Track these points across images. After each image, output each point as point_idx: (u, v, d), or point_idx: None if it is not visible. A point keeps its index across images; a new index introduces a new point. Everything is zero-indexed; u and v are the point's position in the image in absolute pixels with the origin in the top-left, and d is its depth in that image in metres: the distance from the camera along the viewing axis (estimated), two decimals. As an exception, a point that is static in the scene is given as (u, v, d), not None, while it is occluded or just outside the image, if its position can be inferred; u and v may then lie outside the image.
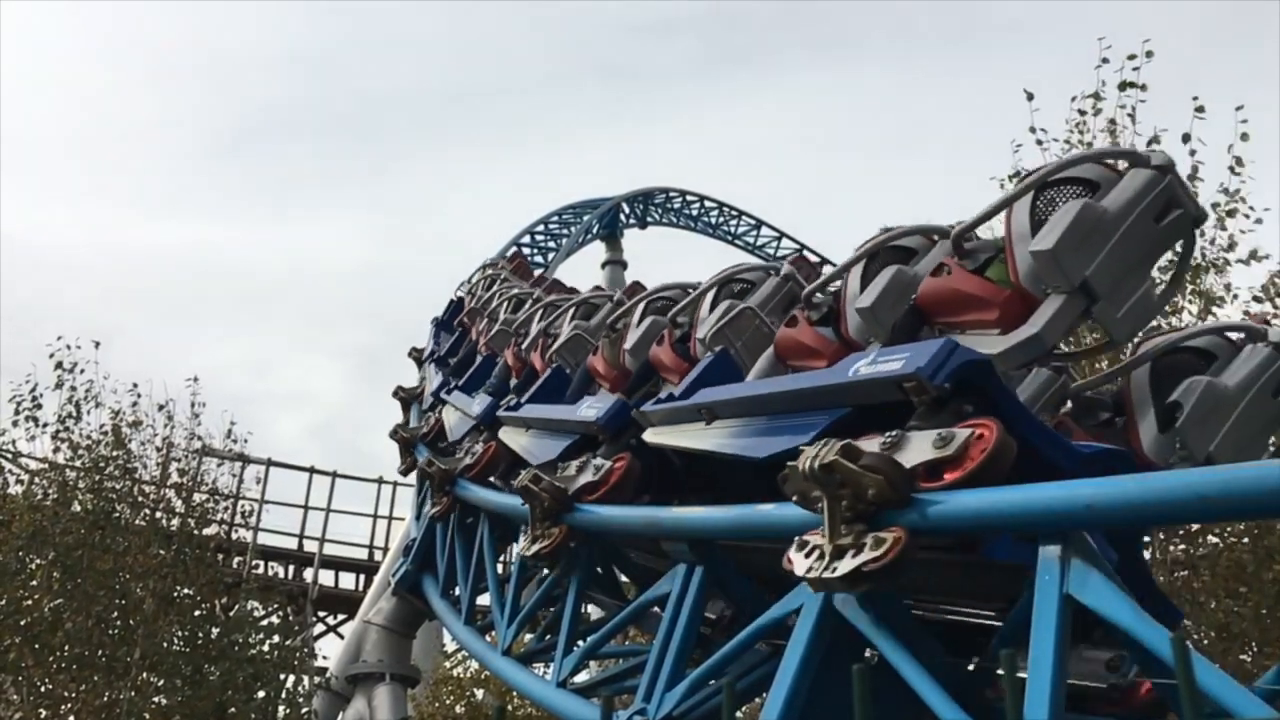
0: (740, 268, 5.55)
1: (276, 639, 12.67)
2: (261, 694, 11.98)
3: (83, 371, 12.82)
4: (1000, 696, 2.76)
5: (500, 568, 6.54)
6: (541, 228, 21.34)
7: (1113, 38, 8.98)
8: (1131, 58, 8.83)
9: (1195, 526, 7.74)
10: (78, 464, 12.50)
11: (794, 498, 2.83)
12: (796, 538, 2.82)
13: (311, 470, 18.43)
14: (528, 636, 6.35)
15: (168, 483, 13.02)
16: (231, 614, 12.61)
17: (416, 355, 11.90)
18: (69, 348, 12.80)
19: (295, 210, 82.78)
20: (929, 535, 2.62)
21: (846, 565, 2.57)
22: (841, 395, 3.25)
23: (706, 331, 4.99)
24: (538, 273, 13.83)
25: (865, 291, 4.04)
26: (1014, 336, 3.45)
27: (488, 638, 6.19)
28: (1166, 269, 8.68)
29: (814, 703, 2.73)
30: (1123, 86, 8.94)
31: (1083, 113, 9.21)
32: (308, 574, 17.65)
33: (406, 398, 10.68)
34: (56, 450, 12.64)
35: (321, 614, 17.69)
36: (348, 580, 18.10)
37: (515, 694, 11.88)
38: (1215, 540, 8.09)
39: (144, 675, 11.07)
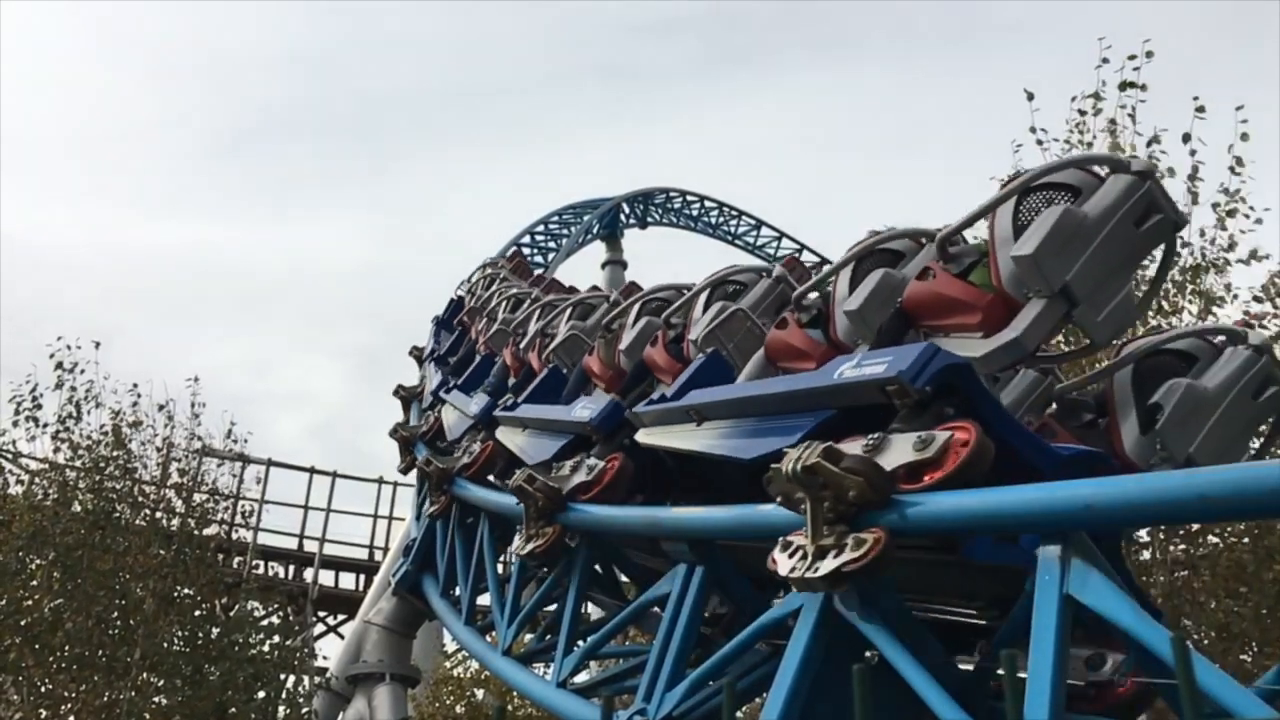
0: (733, 269, 5.59)
1: (277, 639, 12.66)
2: (262, 694, 11.97)
3: (83, 372, 12.82)
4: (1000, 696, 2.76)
5: (500, 568, 6.54)
6: (541, 228, 21.34)
7: (1113, 38, 8.98)
8: (1132, 58, 8.83)
9: (1196, 526, 7.73)
10: (78, 464, 12.49)
11: (778, 499, 2.88)
12: (781, 538, 2.87)
13: (312, 470, 18.43)
14: (528, 636, 6.36)
15: (168, 483, 13.01)
16: (232, 614, 12.60)
17: (417, 354, 11.92)
18: (69, 348, 12.80)
19: (295, 210, 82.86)
20: (909, 535, 2.66)
21: (828, 565, 2.62)
22: (827, 398, 3.31)
23: (699, 333, 5.04)
24: (538, 273, 13.83)
25: (853, 294, 4.08)
26: (996, 340, 3.50)
27: (488, 638, 6.18)
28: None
29: (814, 703, 2.73)
30: (1123, 86, 8.94)
31: (1083, 113, 9.21)
32: (308, 574, 17.63)
33: (407, 396, 10.70)
34: (56, 450, 12.64)
35: (322, 614, 17.68)
36: (348, 580, 18.10)
37: (515, 694, 11.88)
38: (1215, 540, 8.08)
39: (144, 675, 11.07)
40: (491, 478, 6.71)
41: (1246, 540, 7.78)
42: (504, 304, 9.17)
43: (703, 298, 5.34)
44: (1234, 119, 8.52)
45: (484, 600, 6.47)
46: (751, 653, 3.70)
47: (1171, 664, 1.70)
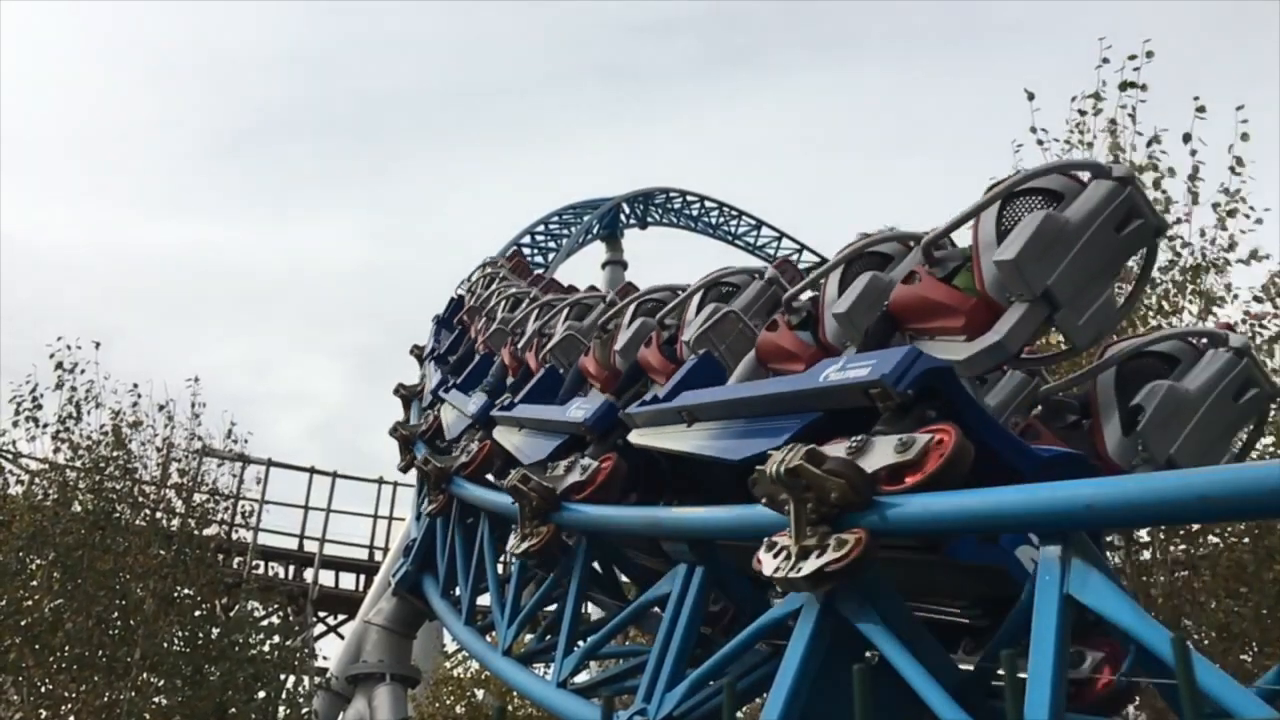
0: (726, 271, 5.62)
1: (277, 639, 12.67)
2: (262, 694, 11.98)
3: (83, 372, 12.83)
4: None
5: (500, 568, 6.53)
6: (542, 228, 21.33)
7: (1113, 38, 8.98)
8: (1132, 58, 8.83)
9: (1196, 526, 7.73)
10: (78, 464, 12.49)
11: (763, 500, 2.92)
12: (766, 539, 2.92)
13: (312, 470, 18.43)
14: (528, 637, 6.36)
15: (168, 483, 13.02)
16: (232, 614, 12.61)
17: (418, 352, 11.93)
18: (69, 348, 12.81)
19: (295, 210, 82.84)
20: (889, 536, 2.70)
21: (810, 565, 2.67)
22: (813, 400, 3.36)
23: (691, 334, 5.09)
24: (537, 273, 13.83)
25: (841, 297, 4.13)
26: (978, 343, 3.56)
27: (488, 638, 6.18)
28: (1167, 267, 8.72)
29: (814, 703, 2.74)
30: (1123, 86, 8.93)
31: (1083, 113, 9.21)
32: (308, 574, 17.64)
33: (407, 395, 10.70)
34: (57, 450, 12.65)
35: (322, 614, 17.68)
36: (348, 580, 18.10)
37: (516, 694, 11.89)
38: (1216, 540, 8.08)
39: (144, 675, 11.07)
40: (491, 477, 6.72)
41: (1247, 540, 7.78)
42: (503, 303, 9.18)
43: (696, 299, 5.38)
44: (1234, 119, 8.53)
45: (484, 600, 6.47)
46: (752, 653, 3.70)
47: (1172, 664, 1.70)
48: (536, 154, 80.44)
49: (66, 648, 10.83)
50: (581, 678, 5.13)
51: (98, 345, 12.95)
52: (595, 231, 23.08)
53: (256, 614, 13.38)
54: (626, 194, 23.87)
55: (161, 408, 13.26)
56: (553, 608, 5.62)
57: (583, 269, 23.25)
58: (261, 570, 16.16)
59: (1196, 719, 1.45)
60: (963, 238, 4.00)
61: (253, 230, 76.13)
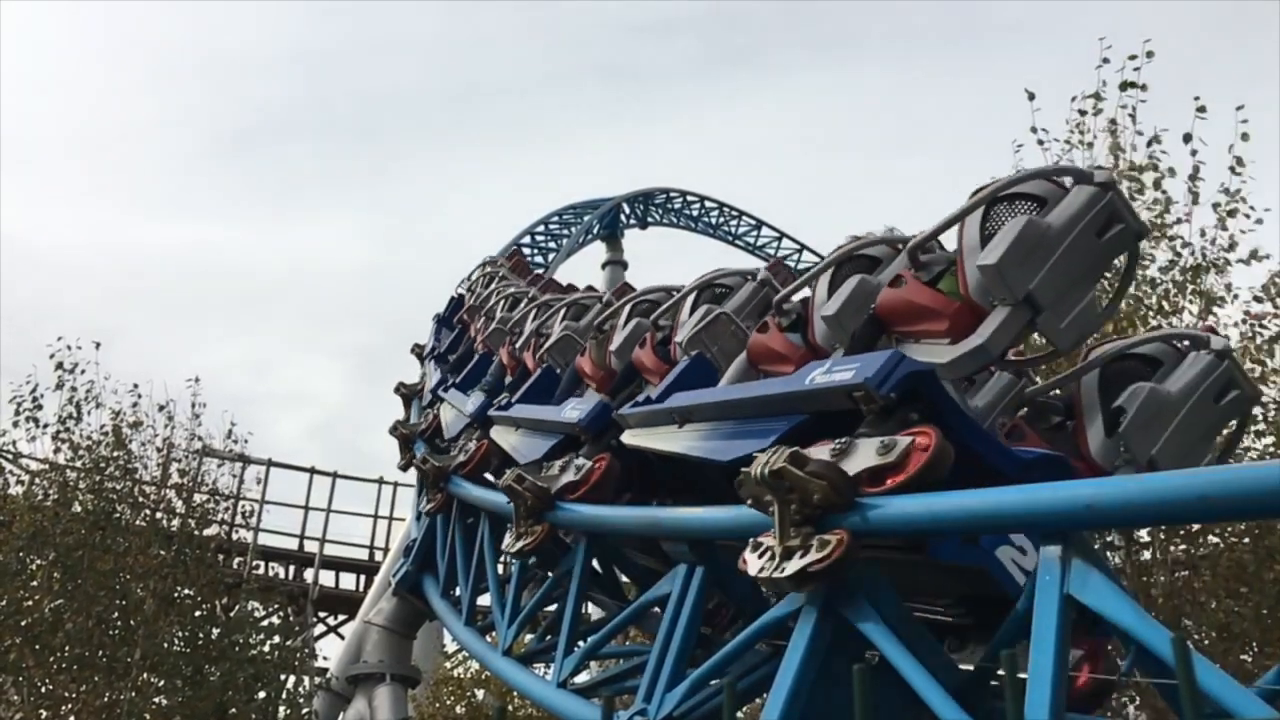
0: (720, 272, 5.65)
1: (277, 639, 12.68)
2: (262, 694, 11.98)
3: (83, 372, 12.83)
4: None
5: (500, 568, 6.53)
6: (542, 228, 21.32)
7: (1113, 38, 8.98)
8: (1132, 58, 8.82)
9: (1196, 526, 7.73)
10: (78, 464, 12.50)
11: (749, 501, 2.98)
12: (751, 539, 2.98)
13: (312, 471, 18.41)
14: (528, 637, 6.36)
15: (168, 483, 13.02)
16: (232, 614, 12.61)
17: (418, 351, 11.93)
18: (69, 348, 12.81)
19: (295, 210, 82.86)
20: (871, 536, 2.74)
21: (794, 565, 2.73)
22: (799, 403, 3.42)
23: (684, 336, 5.15)
24: (537, 273, 13.83)
25: (830, 300, 4.19)
26: (962, 346, 3.63)
27: (488, 638, 6.18)
28: (1167, 267, 8.71)
29: (815, 703, 2.74)
30: (1123, 86, 8.93)
31: (1083, 113, 9.21)
32: (308, 574, 17.62)
33: (408, 394, 10.70)
34: (57, 451, 12.65)
35: (322, 614, 17.68)
36: (348, 581, 18.09)
37: (516, 694, 11.89)
38: (1216, 540, 8.08)
39: (144, 676, 11.08)
40: (490, 476, 6.73)
41: (1247, 540, 7.79)
42: (502, 303, 9.19)
43: (689, 300, 5.42)
44: (1234, 119, 8.53)
45: (484, 600, 6.47)
46: (752, 653, 3.70)
47: (1172, 664, 1.70)
48: (536, 154, 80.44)
49: (67, 648, 10.83)
50: (582, 678, 5.13)
51: (98, 345, 12.97)
52: (595, 232, 23.07)
53: (257, 614, 13.39)
54: (626, 194, 23.86)
55: (162, 408, 13.28)
56: (553, 608, 5.62)
57: (583, 269, 23.25)
58: (262, 570, 16.15)
59: (1197, 719, 1.45)
60: (951, 241, 4.04)
61: (253, 230, 76.11)
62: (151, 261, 68.79)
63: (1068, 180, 3.77)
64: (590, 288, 9.41)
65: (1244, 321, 8.56)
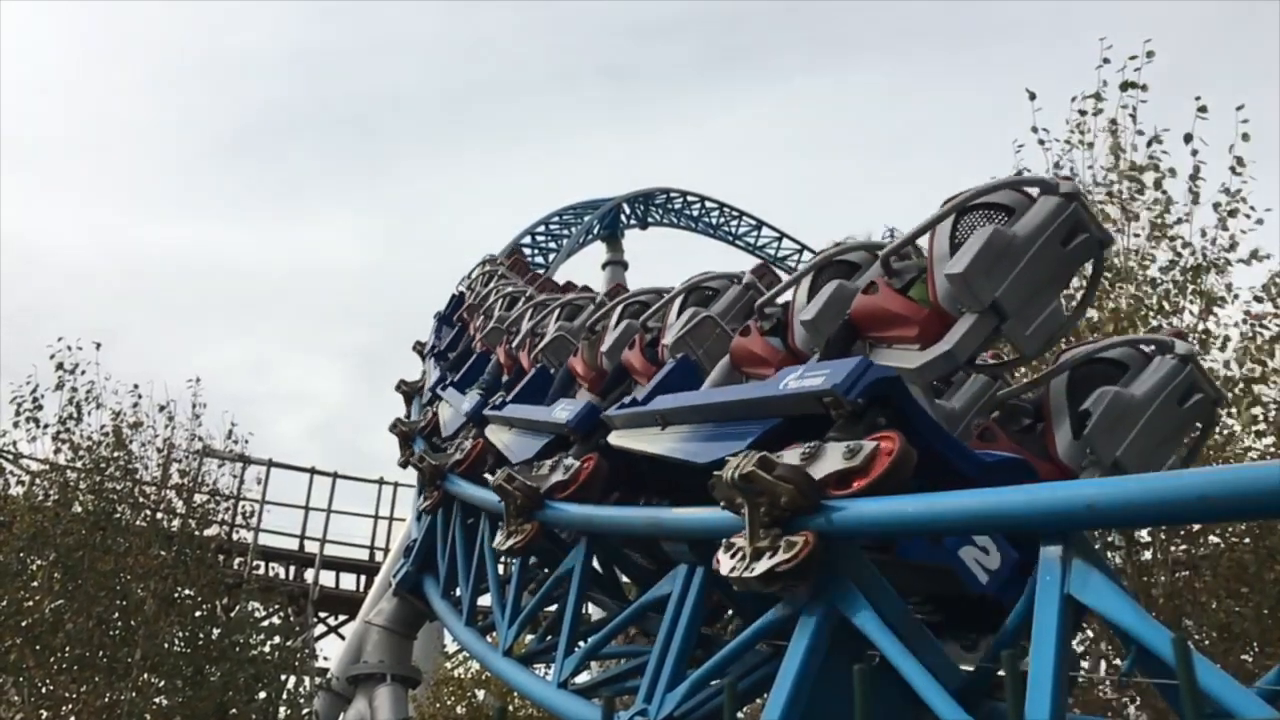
0: (707, 275, 5.74)
1: (277, 640, 12.70)
2: (262, 695, 12.00)
3: (83, 372, 12.85)
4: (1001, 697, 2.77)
5: (501, 568, 6.53)
6: (542, 228, 21.31)
7: (1113, 38, 9.00)
8: (1133, 58, 8.84)
9: (1197, 527, 7.73)
10: (78, 465, 12.51)
11: (721, 504, 3.07)
12: (724, 540, 3.07)
13: (312, 471, 18.41)
14: (528, 637, 6.35)
15: (169, 484, 13.04)
16: (232, 615, 12.62)
17: (420, 348, 11.94)
18: (70, 349, 12.83)
19: (295, 210, 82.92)
20: (835, 538, 2.81)
21: (763, 565, 2.82)
22: (773, 407, 3.52)
23: (670, 338, 5.25)
24: (536, 272, 13.83)
25: (809, 305, 4.32)
26: (930, 352, 3.75)
27: (488, 638, 6.18)
28: (1167, 267, 8.71)
29: (815, 703, 2.74)
30: (1124, 87, 8.94)
31: (1083, 113, 9.22)
32: (309, 575, 17.63)
33: (409, 391, 10.72)
34: (57, 451, 12.67)
35: (322, 615, 17.68)
36: (348, 581, 18.09)
37: (516, 695, 11.89)
38: (1217, 540, 8.09)
39: (145, 676, 11.09)
40: (488, 475, 6.73)
41: (1248, 540, 7.79)
42: (500, 301, 9.21)
43: (677, 303, 5.51)
44: (1235, 119, 8.54)
45: (485, 601, 6.47)
46: (752, 653, 3.70)
47: (1173, 664, 1.70)
48: (536, 154, 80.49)
49: (67, 648, 10.84)
50: (582, 678, 5.14)
51: (98, 346, 13.00)
52: (596, 232, 23.05)
53: (257, 615, 13.40)
54: (627, 194, 23.84)
55: (162, 408, 13.30)
56: (553, 608, 5.62)
57: (583, 269, 23.23)
58: (262, 571, 16.17)
59: (1197, 719, 1.45)
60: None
61: (253, 230, 76.11)
62: (152, 262, 68.75)
63: (1035, 190, 3.87)
64: (586, 288, 9.43)
65: (1244, 321, 8.57)
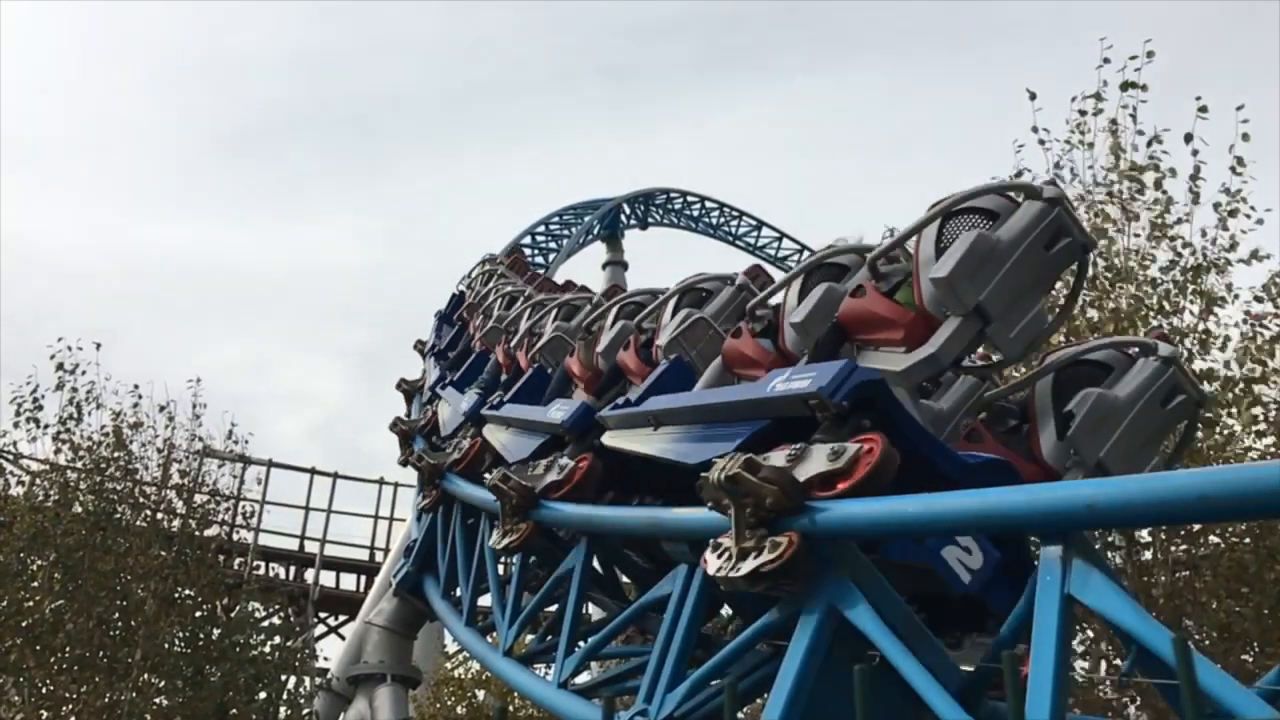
0: (701, 277, 5.76)
1: (278, 640, 12.70)
2: (263, 695, 12.00)
3: (84, 373, 12.86)
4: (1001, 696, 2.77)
5: (501, 568, 6.53)
6: (542, 229, 21.33)
7: (1113, 38, 9.00)
8: (1133, 58, 8.84)
9: (1197, 527, 7.73)
10: (79, 465, 12.51)
11: (709, 504, 3.10)
12: (712, 540, 3.10)
13: (312, 471, 18.42)
14: (529, 637, 6.35)
15: (169, 484, 13.04)
16: (233, 615, 12.62)
17: (420, 347, 11.94)
18: (70, 349, 12.84)
19: (295, 210, 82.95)
20: (821, 538, 2.84)
21: (748, 566, 2.86)
22: (761, 409, 3.56)
23: (664, 339, 5.28)
24: (536, 272, 13.83)
25: (799, 307, 4.37)
26: (915, 355, 3.81)
27: (489, 638, 6.18)
28: (1168, 267, 8.71)
29: (816, 703, 2.74)
30: (1124, 87, 8.95)
31: (1083, 113, 9.23)
32: (309, 575, 17.63)
33: (409, 390, 10.72)
34: (58, 451, 12.68)
35: (323, 615, 17.69)
36: (349, 581, 18.10)
37: (516, 695, 11.89)
38: (1217, 540, 8.09)
39: (145, 676, 11.09)
40: (486, 475, 6.74)
41: (1248, 540, 7.79)
42: (499, 301, 9.22)
43: (672, 304, 5.53)
44: (1235, 119, 8.55)
45: (485, 601, 6.47)
46: (753, 653, 3.70)
47: (1173, 664, 1.70)
48: (536, 154, 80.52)
49: (67, 648, 10.85)
50: (582, 678, 5.13)
51: (98, 346, 13.01)
52: (596, 232, 23.06)
53: (257, 615, 13.41)
54: (627, 194, 23.86)
55: (162, 408, 13.31)
56: (553, 608, 5.62)
57: (584, 270, 23.25)
58: (262, 571, 16.18)
59: (1197, 719, 1.45)
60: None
61: (253, 230, 76.17)
62: (152, 262, 68.78)
63: (1019, 195, 3.91)
64: (585, 288, 9.43)
65: (1244, 321, 8.57)
